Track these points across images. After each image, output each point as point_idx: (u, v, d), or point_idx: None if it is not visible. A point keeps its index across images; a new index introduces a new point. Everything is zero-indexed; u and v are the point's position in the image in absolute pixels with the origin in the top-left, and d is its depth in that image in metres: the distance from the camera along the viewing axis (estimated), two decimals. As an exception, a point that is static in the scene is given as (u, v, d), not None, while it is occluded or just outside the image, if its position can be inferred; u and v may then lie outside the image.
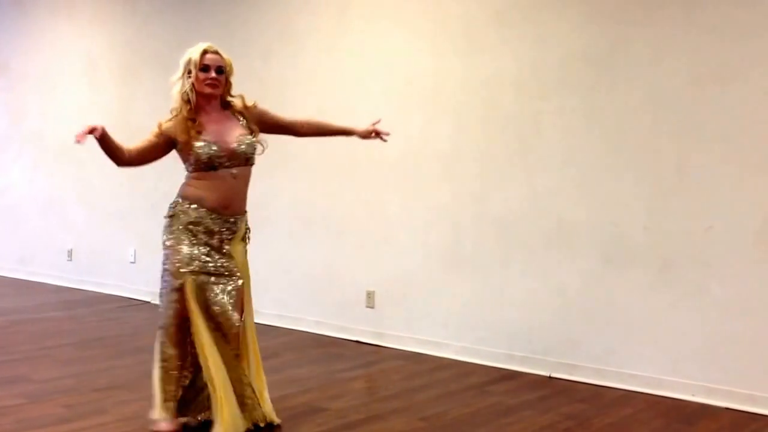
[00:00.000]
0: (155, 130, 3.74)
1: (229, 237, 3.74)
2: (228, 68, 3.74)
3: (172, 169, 7.13)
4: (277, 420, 3.83)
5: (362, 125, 4.01)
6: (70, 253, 7.84)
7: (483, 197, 5.15)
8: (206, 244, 3.67)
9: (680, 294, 4.42)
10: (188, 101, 3.69)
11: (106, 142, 3.57)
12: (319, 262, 5.99)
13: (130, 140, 7.70)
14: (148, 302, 7.02)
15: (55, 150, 7.94)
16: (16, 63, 8.26)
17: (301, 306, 6.08)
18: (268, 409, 3.82)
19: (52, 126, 7.98)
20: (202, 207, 3.67)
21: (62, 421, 3.85)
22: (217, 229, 3.69)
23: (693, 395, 4.35)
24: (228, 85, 3.79)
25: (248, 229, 3.89)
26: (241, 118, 3.79)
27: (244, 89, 6.79)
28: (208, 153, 3.64)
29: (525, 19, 4.95)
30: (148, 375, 4.57)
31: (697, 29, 4.36)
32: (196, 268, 3.62)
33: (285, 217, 6.17)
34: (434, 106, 5.36)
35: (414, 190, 5.47)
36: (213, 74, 3.66)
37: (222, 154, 3.65)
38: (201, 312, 3.60)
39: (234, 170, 3.69)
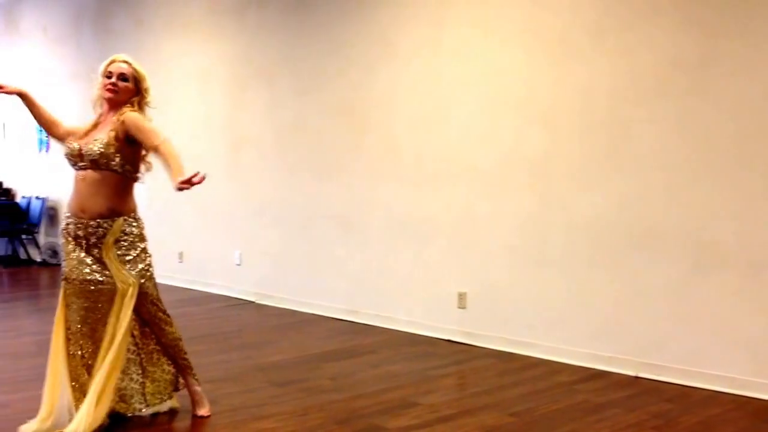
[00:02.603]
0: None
1: (96, 243, 3.69)
2: (136, 78, 3.79)
3: (273, 176, 7.47)
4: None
5: (183, 176, 3.55)
6: (181, 256, 8.15)
7: (572, 202, 5.18)
8: (79, 249, 3.70)
9: (766, 297, 4.41)
10: (97, 105, 3.85)
11: (28, 102, 3.83)
12: (412, 265, 6.11)
13: (236, 150, 8.20)
14: (252, 302, 7.33)
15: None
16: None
17: (395, 306, 6.22)
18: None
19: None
20: (68, 211, 3.76)
21: (178, 411, 4.09)
22: (81, 234, 3.70)
23: (779, 396, 4.34)
24: (135, 95, 3.80)
25: (125, 233, 3.75)
26: (113, 125, 3.72)
27: (347, 99, 6.98)
28: (66, 151, 3.76)
29: (618, 28, 4.95)
30: (253, 369, 4.84)
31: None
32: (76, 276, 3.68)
33: (382, 222, 6.33)
34: (526, 114, 5.40)
35: (504, 195, 5.52)
36: (113, 80, 3.73)
37: (75, 153, 3.70)
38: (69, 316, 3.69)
39: (81, 172, 3.70)
